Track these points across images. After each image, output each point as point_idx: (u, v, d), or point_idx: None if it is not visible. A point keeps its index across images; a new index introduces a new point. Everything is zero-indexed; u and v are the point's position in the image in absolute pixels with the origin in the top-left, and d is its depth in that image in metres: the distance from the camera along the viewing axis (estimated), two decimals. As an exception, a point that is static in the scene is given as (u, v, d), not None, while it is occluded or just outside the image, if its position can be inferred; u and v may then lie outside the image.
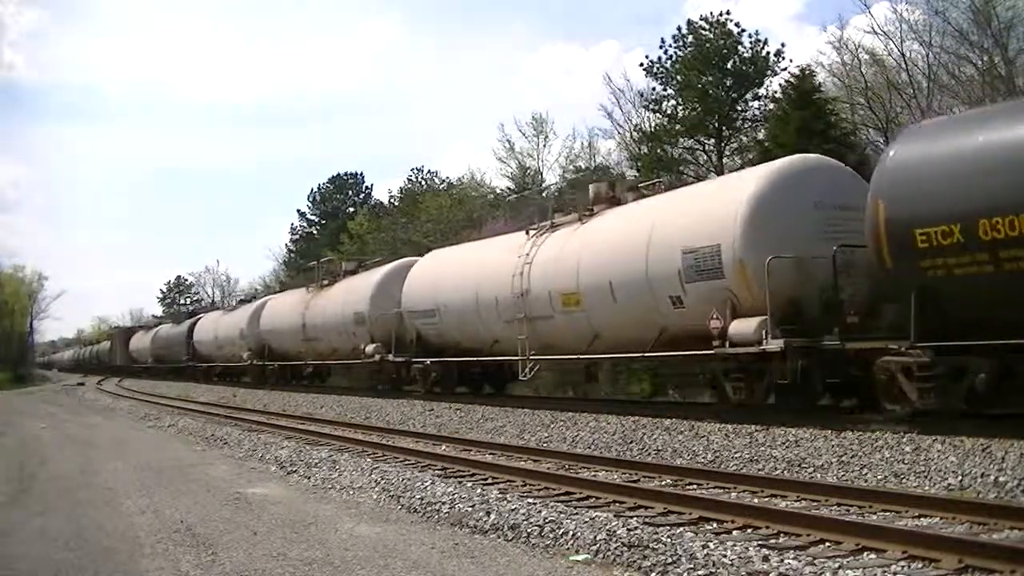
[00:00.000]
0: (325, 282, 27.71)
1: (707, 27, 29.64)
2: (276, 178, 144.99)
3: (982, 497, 7.11)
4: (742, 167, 25.49)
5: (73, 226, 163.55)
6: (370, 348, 22.50)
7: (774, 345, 11.18)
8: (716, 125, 29.39)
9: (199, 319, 43.01)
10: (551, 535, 6.31)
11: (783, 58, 29.00)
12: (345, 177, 61.28)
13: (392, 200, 51.04)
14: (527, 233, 17.34)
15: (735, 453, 9.77)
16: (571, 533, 6.23)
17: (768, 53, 29.15)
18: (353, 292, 24.45)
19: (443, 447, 12.34)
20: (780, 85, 26.35)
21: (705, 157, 30.44)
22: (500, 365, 18.96)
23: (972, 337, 9.23)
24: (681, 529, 6.48)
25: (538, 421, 13.92)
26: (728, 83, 29.15)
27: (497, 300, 17.08)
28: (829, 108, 22.89)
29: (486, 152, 78.13)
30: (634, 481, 8.69)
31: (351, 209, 57.04)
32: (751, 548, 5.66)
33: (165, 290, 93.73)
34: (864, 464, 8.52)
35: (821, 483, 7.95)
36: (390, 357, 21.47)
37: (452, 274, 19.46)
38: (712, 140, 29.95)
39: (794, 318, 11.42)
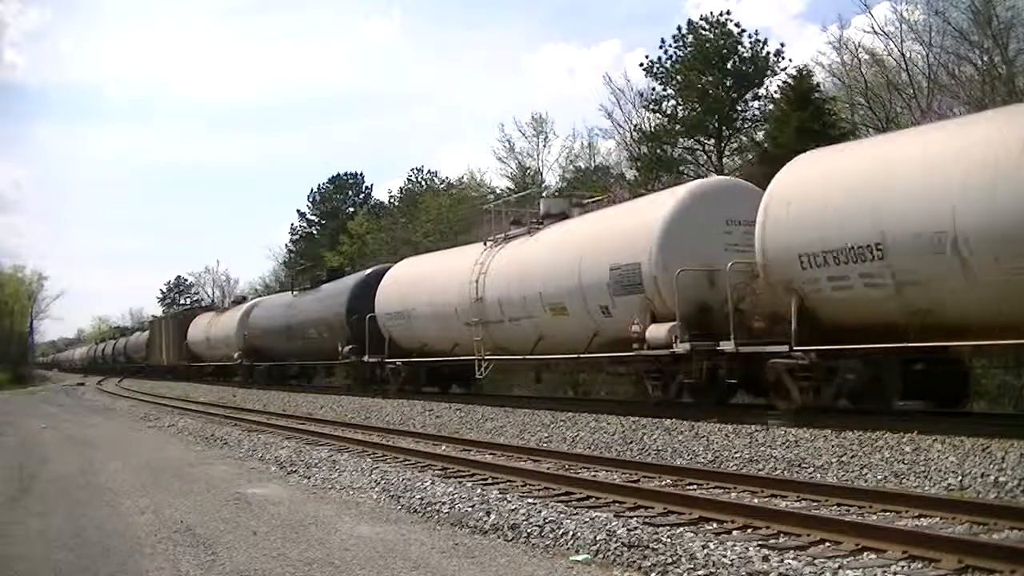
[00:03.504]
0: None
1: (707, 27, 29.67)
2: (276, 178, 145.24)
3: (982, 497, 7.11)
4: (742, 167, 25.54)
5: (73, 226, 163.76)
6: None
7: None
8: (716, 125, 29.41)
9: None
10: (551, 535, 6.31)
11: (783, 58, 29.05)
12: (345, 177, 61.23)
13: (392, 200, 51.07)
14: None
15: (735, 453, 9.77)
16: (571, 533, 6.23)
17: (768, 53, 29.19)
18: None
19: (443, 447, 12.34)
20: (779, 85, 26.38)
21: (705, 157, 30.46)
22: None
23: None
24: (681, 529, 6.48)
25: (538, 421, 13.93)
26: (728, 83, 29.18)
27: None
28: (828, 108, 22.90)
29: (486, 152, 78.14)
30: (634, 481, 8.68)
31: (351, 209, 57.02)
32: (751, 548, 5.66)
33: (165, 290, 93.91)
34: (864, 464, 8.52)
35: (821, 483, 7.95)
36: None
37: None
38: (712, 140, 29.97)
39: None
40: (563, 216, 17.32)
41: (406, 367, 21.30)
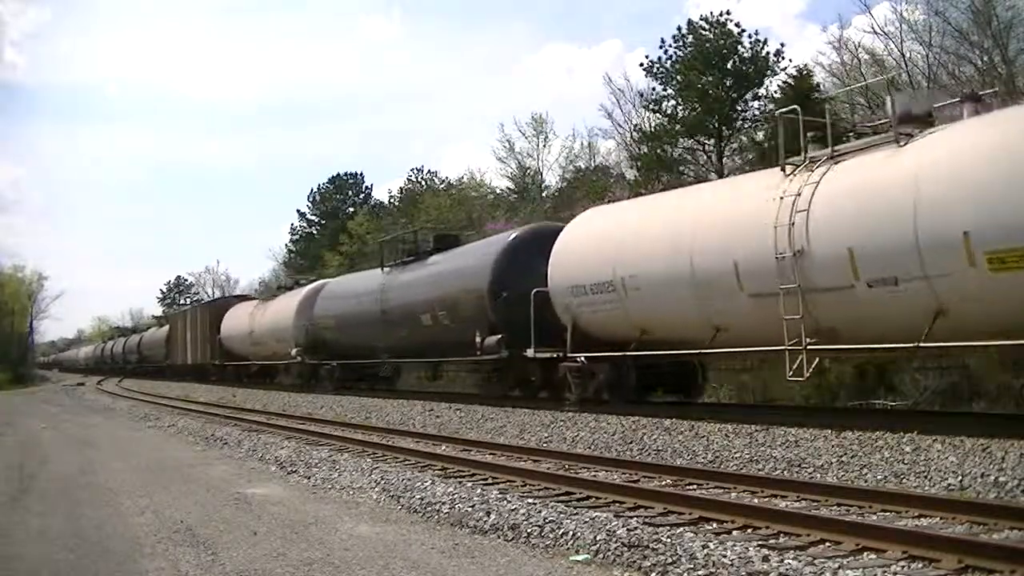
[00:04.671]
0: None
1: (707, 27, 29.64)
2: (276, 178, 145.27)
3: (982, 497, 7.11)
4: (742, 167, 25.53)
5: (73, 226, 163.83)
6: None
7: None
8: (716, 125, 29.37)
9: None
10: (551, 535, 6.31)
11: (783, 58, 29.03)
12: (345, 177, 61.24)
13: (392, 200, 51.05)
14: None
15: (735, 453, 9.77)
16: (571, 533, 6.23)
17: (768, 53, 29.17)
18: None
19: (443, 447, 12.34)
20: (779, 85, 26.35)
21: (705, 157, 30.45)
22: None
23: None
24: (681, 529, 6.48)
25: (538, 421, 13.93)
26: (728, 83, 29.14)
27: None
28: (828, 108, 22.85)
29: (486, 152, 78.12)
30: (634, 481, 8.68)
31: (351, 209, 56.99)
32: (751, 548, 5.66)
33: (165, 290, 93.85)
34: (864, 464, 8.52)
35: (821, 483, 7.95)
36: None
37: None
38: (712, 140, 29.95)
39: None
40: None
41: (611, 369, 14.96)
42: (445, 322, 19.59)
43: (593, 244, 15.34)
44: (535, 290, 16.05)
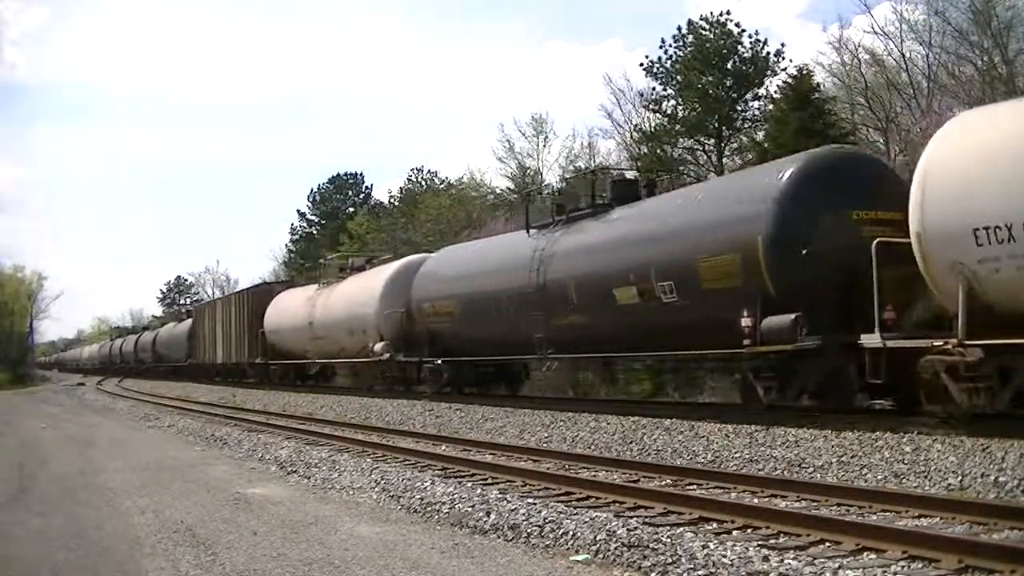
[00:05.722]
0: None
1: (707, 27, 29.66)
2: (276, 178, 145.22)
3: (982, 497, 7.11)
4: (742, 167, 25.52)
5: (73, 226, 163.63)
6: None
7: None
8: (716, 125, 29.40)
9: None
10: (551, 535, 6.30)
11: (783, 58, 29.04)
12: (345, 177, 61.22)
13: (392, 200, 51.04)
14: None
15: (735, 453, 9.77)
16: (571, 533, 6.23)
17: (768, 53, 29.18)
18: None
19: (443, 447, 12.33)
20: (779, 85, 26.36)
21: (705, 157, 30.47)
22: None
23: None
24: (681, 529, 6.48)
25: (538, 421, 13.92)
26: (728, 83, 29.16)
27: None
28: (828, 108, 22.89)
29: (486, 152, 78.05)
30: (634, 481, 8.68)
31: (351, 209, 56.96)
32: (751, 548, 5.66)
33: (165, 290, 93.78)
34: (864, 464, 8.52)
35: (821, 483, 7.95)
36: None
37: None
38: (712, 140, 29.96)
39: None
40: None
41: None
42: (668, 298, 13.29)
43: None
44: (878, 240, 10.67)
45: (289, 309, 28.76)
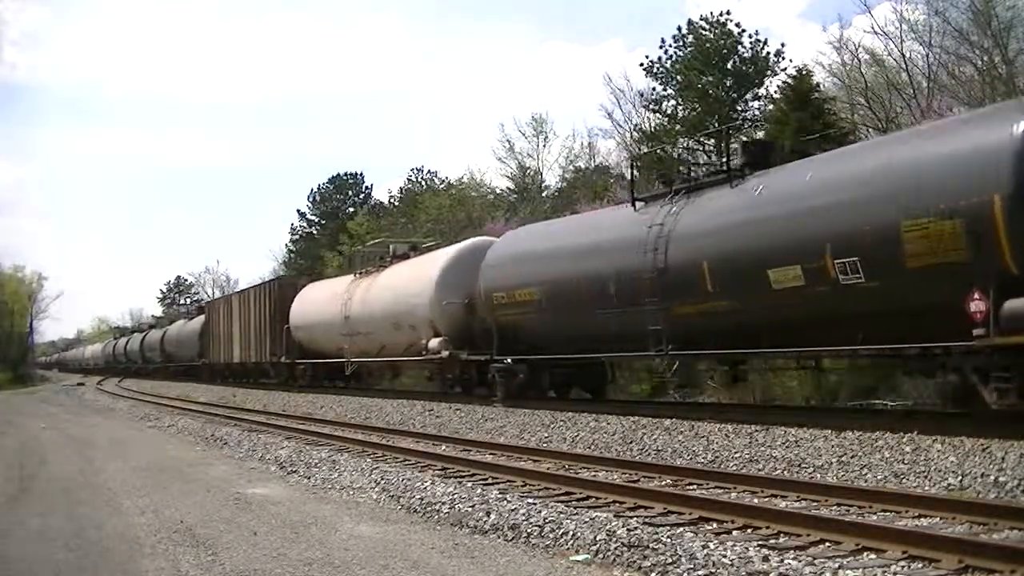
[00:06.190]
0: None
1: (707, 27, 29.67)
2: (276, 178, 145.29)
3: (982, 497, 7.11)
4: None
5: (73, 226, 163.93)
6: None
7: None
8: (716, 125, 29.39)
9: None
10: (551, 535, 6.31)
11: (783, 58, 29.05)
12: (345, 177, 61.20)
13: (392, 200, 51.05)
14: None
15: (735, 453, 9.77)
16: (571, 533, 6.23)
17: (768, 53, 29.19)
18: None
19: (443, 447, 12.33)
20: (779, 85, 26.38)
21: (705, 157, 30.45)
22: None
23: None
24: (681, 529, 6.48)
25: (538, 421, 13.92)
26: (728, 83, 29.17)
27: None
28: (828, 108, 22.88)
29: (486, 152, 78.08)
30: (634, 481, 8.68)
31: (351, 209, 56.96)
32: (751, 548, 5.66)
33: (165, 290, 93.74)
34: (864, 464, 8.52)
35: (821, 483, 7.95)
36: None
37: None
38: (712, 140, 29.94)
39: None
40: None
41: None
42: (848, 278, 10.66)
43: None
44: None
45: (319, 302, 25.91)
